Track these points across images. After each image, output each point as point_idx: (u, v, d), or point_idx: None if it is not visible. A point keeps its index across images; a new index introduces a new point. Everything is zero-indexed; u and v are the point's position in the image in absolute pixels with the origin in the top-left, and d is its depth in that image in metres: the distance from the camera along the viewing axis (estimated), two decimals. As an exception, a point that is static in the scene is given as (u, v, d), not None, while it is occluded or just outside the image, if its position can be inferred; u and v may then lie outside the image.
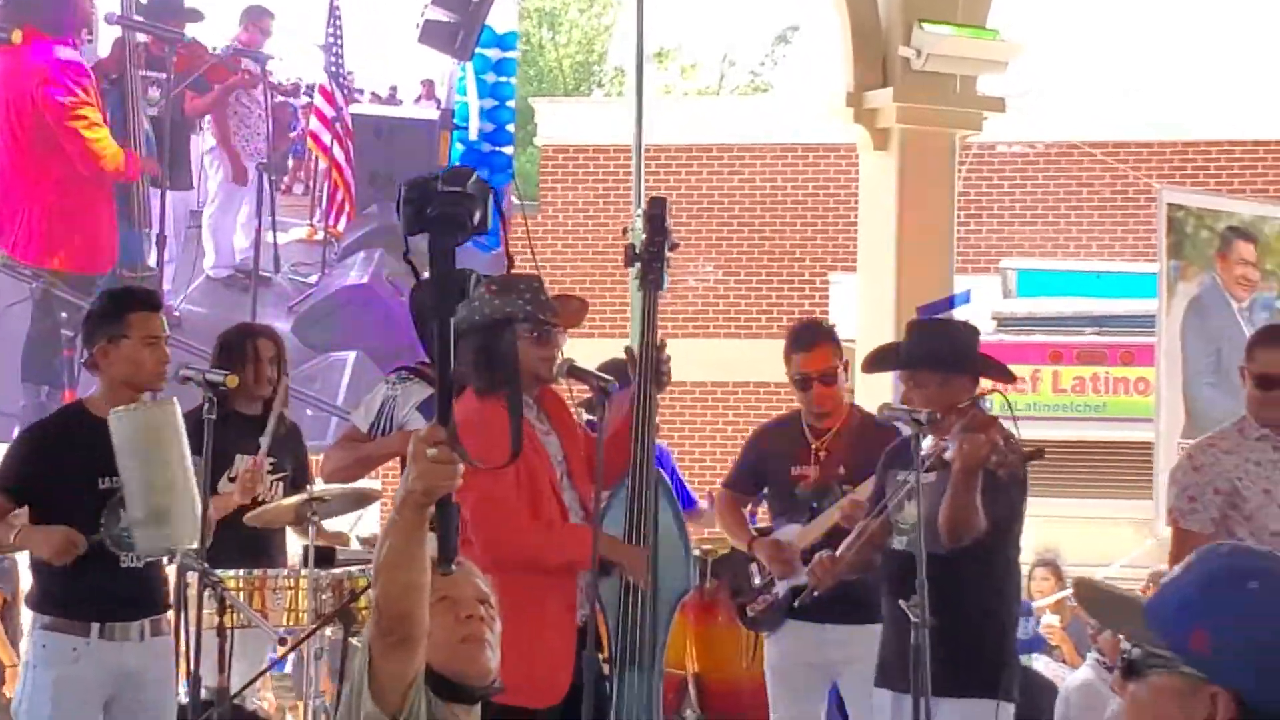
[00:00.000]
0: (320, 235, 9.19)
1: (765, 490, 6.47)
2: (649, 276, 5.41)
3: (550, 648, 5.03)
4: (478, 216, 2.68)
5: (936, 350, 5.54)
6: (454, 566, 2.82)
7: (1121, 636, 2.13)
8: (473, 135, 9.60)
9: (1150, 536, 10.65)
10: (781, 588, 6.26)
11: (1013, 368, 5.89)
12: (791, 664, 6.18)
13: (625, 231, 11.08)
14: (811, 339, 6.37)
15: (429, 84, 9.64)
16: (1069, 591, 11.06)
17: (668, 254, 5.41)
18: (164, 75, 8.53)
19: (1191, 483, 5.64)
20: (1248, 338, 6.17)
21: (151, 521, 5.10)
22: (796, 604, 5.32)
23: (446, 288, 2.70)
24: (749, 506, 6.69)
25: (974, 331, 5.89)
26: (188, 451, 5.19)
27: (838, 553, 5.67)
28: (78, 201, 8.09)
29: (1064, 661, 9.88)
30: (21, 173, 8.02)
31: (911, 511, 5.39)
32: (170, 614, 5.46)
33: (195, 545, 5.22)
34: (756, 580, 6.38)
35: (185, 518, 5.10)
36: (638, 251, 5.45)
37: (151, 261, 8.38)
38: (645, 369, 5.32)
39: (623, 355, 5.57)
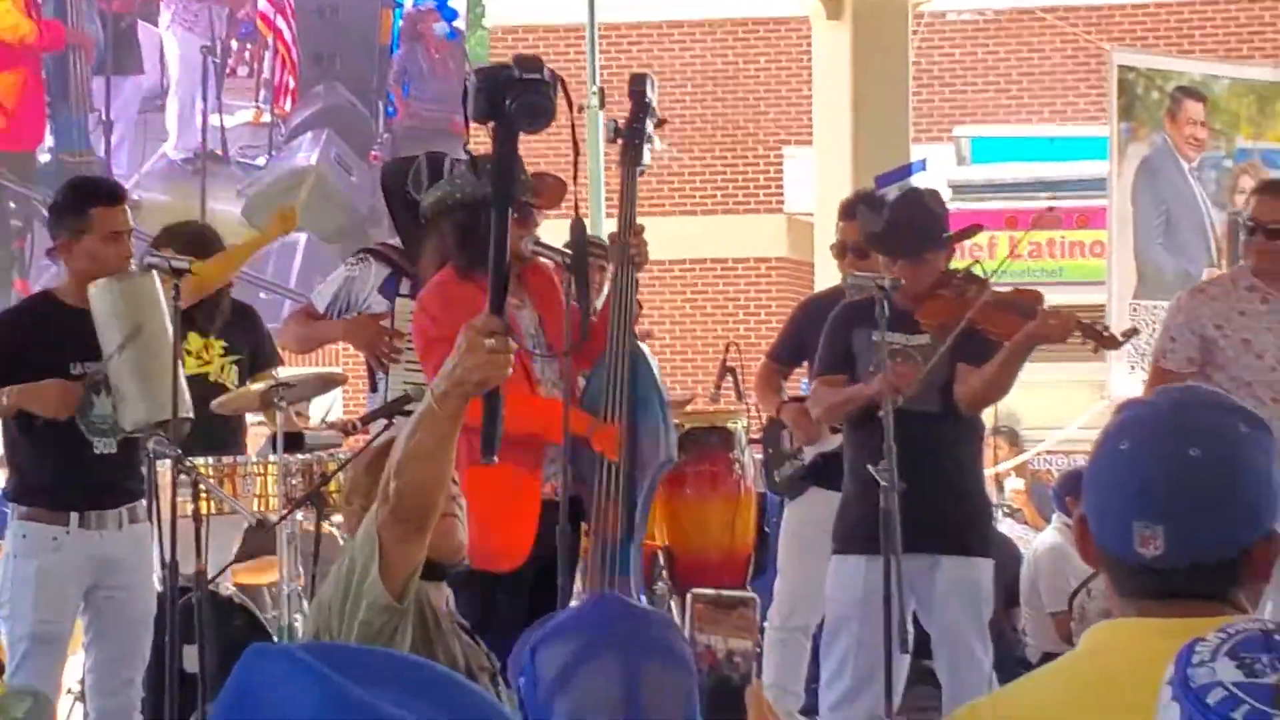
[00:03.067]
0: (267, 117, 9.12)
1: None
2: (629, 154, 5.36)
3: (511, 513, 5.04)
4: (559, 104, 2.74)
5: (919, 227, 5.58)
6: (495, 458, 2.83)
7: None
8: (409, 8, 9.52)
9: (1104, 398, 10.72)
10: (808, 454, 6.33)
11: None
12: (810, 530, 6.23)
13: (580, 110, 11.03)
14: None
15: (368, -39, 9.56)
16: (1030, 455, 11.17)
17: (650, 130, 5.37)
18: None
19: (1174, 323, 5.77)
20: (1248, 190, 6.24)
21: (139, 387, 5.09)
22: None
23: (507, 176, 2.75)
24: None
25: (939, 199, 5.93)
26: (169, 324, 5.17)
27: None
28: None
29: (1027, 524, 9.99)
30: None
31: None
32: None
33: (189, 414, 5.20)
34: (786, 446, 6.46)
35: (172, 388, 5.05)
36: (619, 128, 5.41)
37: (100, 149, 8.32)
38: (625, 246, 5.31)
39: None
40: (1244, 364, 5.63)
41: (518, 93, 2.69)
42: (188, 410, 5.21)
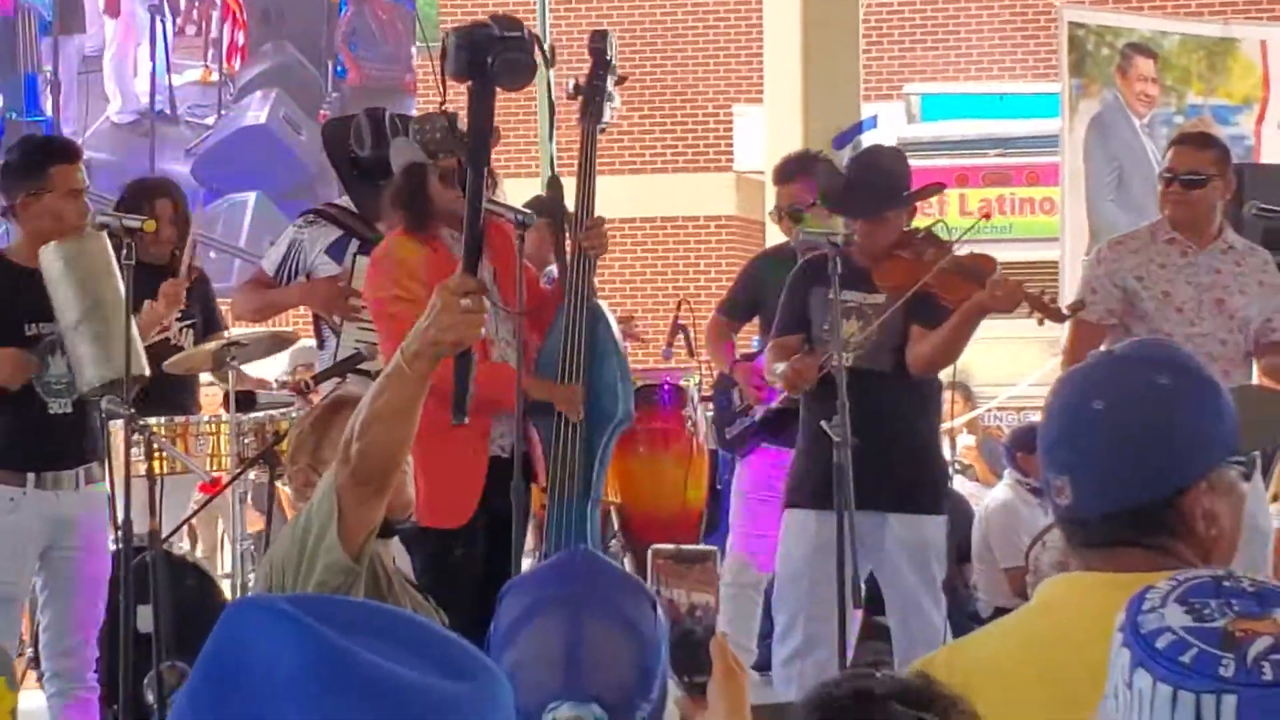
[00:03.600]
0: (216, 76, 9.07)
1: None
2: (589, 110, 5.32)
3: (455, 468, 5.01)
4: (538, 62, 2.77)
5: (878, 186, 5.58)
6: (466, 419, 2.81)
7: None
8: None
9: (1056, 355, 10.78)
10: (758, 411, 6.35)
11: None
12: (759, 486, 6.25)
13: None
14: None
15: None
16: (981, 411, 11.22)
17: (610, 88, 5.34)
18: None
19: (1094, 275, 5.77)
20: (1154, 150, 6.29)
21: (95, 349, 5.06)
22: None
23: (484, 136, 2.74)
24: None
25: (901, 157, 5.92)
26: (121, 285, 5.14)
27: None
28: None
29: (978, 480, 10.03)
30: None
31: (850, 328, 5.47)
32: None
33: (145, 373, 5.17)
34: (736, 402, 6.47)
35: (126, 349, 5.03)
36: (579, 85, 5.38)
37: (48, 108, 8.27)
38: (584, 203, 5.27)
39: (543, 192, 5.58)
40: (1163, 317, 5.63)
41: (499, 51, 2.69)
42: (142, 369, 5.19)
